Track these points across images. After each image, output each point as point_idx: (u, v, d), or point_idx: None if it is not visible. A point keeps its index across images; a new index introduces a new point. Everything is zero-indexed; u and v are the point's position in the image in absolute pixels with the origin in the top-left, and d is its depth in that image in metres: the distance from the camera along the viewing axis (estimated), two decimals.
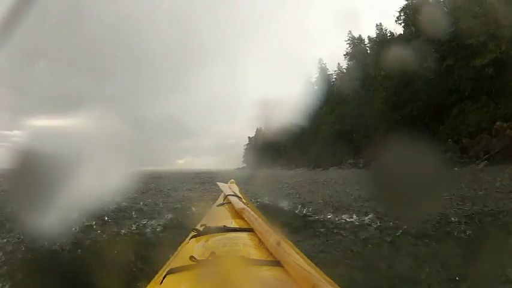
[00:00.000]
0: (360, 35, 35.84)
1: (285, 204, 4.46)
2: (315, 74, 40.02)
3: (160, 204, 4.72)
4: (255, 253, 1.01)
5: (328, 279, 0.81)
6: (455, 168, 15.13)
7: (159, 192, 7.14)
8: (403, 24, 28.02)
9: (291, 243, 1.06)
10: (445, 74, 21.74)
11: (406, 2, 27.36)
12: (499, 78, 18.72)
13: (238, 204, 1.69)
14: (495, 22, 18.21)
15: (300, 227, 3.00)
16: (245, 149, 62.05)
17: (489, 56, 19.22)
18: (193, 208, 3.67)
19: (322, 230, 2.85)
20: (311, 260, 0.95)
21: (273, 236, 1.04)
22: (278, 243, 0.96)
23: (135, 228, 2.93)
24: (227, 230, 1.25)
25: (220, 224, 1.32)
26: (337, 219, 3.21)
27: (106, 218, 3.30)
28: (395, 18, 28.61)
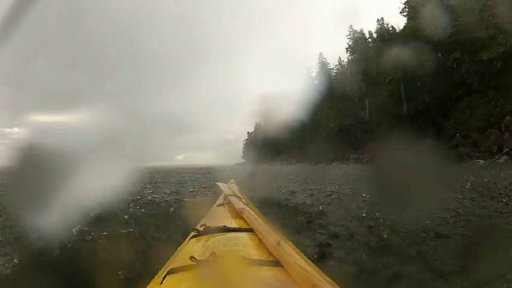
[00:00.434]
0: (361, 29, 35.46)
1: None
2: (315, 69, 39.87)
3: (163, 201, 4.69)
4: (255, 253, 1.01)
5: (328, 279, 0.80)
6: (476, 162, 14.98)
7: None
8: (407, 16, 27.56)
9: (291, 243, 1.05)
10: (452, 68, 21.40)
11: None
12: (508, 72, 18.34)
13: (238, 204, 1.69)
14: (503, 15, 17.79)
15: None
16: (244, 144, 61.57)
17: (498, 50, 18.83)
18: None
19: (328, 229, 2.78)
20: (312, 261, 0.94)
21: (273, 236, 1.04)
22: (278, 243, 0.96)
23: (135, 228, 2.94)
24: (227, 230, 1.25)
25: (220, 224, 1.32)
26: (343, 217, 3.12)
27: (106, 216, 3.32)
28: (400, 10, 28.21)
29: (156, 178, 9.11)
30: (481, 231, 2.62)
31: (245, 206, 1.61)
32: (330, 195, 5.18)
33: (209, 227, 1.29)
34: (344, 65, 36.96)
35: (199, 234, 1.25)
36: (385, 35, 29.63)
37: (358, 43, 34.36)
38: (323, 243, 2.25)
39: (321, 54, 39.87)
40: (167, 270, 0.95)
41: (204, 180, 8.86)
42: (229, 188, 2.57)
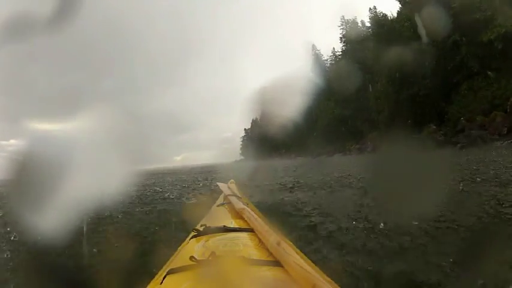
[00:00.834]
0: (355, 17, 34.90)
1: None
2: (309, 62, 39.31)
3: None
4: (255, 253, 1.01)
5: (328, 279, 0.80)
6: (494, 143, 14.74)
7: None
8: (401, 1, 27.10)
9: (291, 243, 1.05)
10: (451, 51, 21.07)
11: None
12: (510, 53, 18.03)
13: (238, 204, 1.69)
14: None
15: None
16: (242, 142, 61.22)
17: (498, 30, 18.48)
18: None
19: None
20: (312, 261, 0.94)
21: (273, 236, 1.04)
22: (278, 243, 0.95)
23: (135, 227, 2.95)
24: (227, 230, 1.25)
25: (220, 224, 1.31)
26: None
27: (105, 217, 3.33)
28: None
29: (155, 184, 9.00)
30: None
31: (245, 206, 1.61)
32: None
33: (209, 227, 1.29)
34: (338, 56, 36.59)
35: (199, 234, 1.25)
36: (380, 22, 29.11)
37: (352, 32, 33.91)
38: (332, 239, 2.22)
39: (314, 46, 39.47)
40: (167, 270, 0.95)
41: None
42: (229, 188, 2.57)
